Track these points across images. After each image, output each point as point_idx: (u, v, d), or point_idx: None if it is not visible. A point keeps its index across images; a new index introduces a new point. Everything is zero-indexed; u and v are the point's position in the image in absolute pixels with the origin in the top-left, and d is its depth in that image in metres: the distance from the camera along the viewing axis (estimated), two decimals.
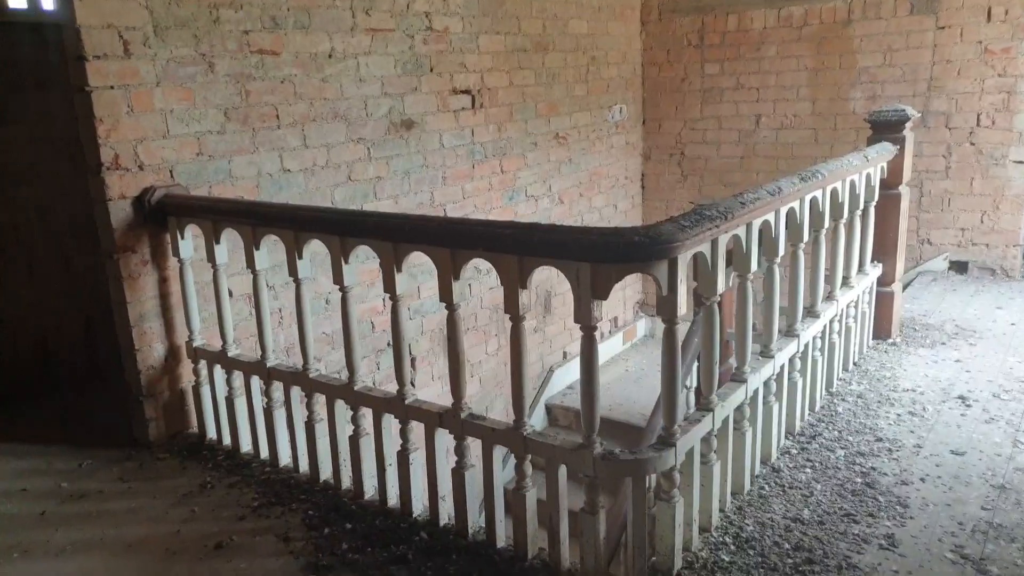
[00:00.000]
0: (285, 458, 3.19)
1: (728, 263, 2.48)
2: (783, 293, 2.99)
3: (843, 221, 3.51)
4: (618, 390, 6.23)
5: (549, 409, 6.23)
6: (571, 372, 6.35)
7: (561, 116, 5.87)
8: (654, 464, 2.20)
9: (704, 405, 2.46)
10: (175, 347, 3.44)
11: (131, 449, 3.39)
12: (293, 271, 2.88)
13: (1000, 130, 5.39)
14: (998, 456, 2.98)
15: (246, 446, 3.33)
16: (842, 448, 3.07)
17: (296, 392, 3.06)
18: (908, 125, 4.11)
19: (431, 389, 4.96)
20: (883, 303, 4.27)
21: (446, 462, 2.65)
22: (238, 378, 3.28)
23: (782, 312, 3.05)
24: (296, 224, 2.81)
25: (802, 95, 6.08)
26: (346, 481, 2.97)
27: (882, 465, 2.93)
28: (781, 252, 2.84)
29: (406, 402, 2.66)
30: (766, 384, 2.88)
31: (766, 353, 2.89)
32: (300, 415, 3.06)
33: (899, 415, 3.36)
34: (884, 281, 4.25)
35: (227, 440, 3.38)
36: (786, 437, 3.16)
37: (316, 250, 2.82)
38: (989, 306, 4.86)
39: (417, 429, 2.68)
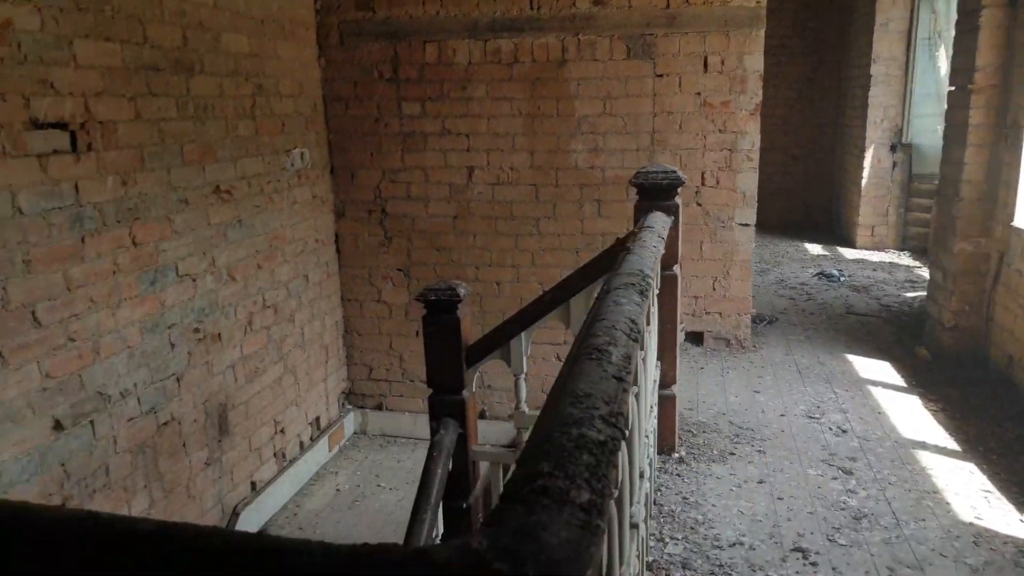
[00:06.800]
0: None
1: None
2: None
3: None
4: (330, 523, 4.67)
5: None
6: (265, 509, 4.68)
7: (222, 163, 4.19)
8: None
9: None
10: None
11: None
12: None
13: (725, 190, 5.01)
14: None
15: None
16: None
17: None
18: (679, 190, 3.33)
19: None
20: (666, 410, 3.40)
21: None
22: None
23: None
24: None
25: (519, 145, 5.17)
26: None
27: None
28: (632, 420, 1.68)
29: None
30: None
31: None
32: None
33: None
34: (665, 382, 3.38)
35: None
36: None
37: None
38: (746, 390, 4.29)
39: None
